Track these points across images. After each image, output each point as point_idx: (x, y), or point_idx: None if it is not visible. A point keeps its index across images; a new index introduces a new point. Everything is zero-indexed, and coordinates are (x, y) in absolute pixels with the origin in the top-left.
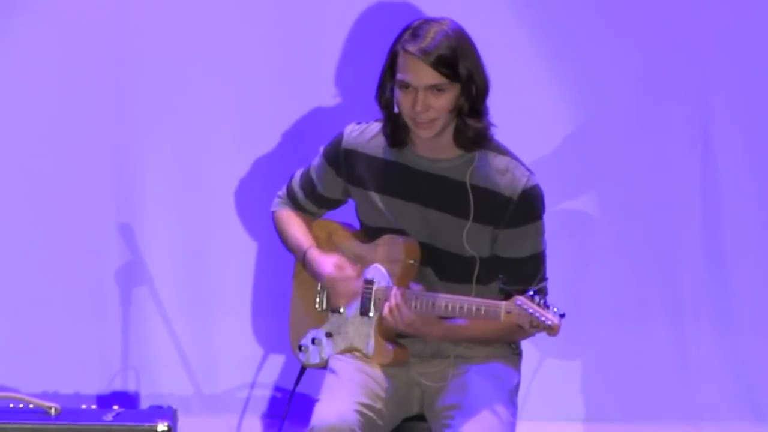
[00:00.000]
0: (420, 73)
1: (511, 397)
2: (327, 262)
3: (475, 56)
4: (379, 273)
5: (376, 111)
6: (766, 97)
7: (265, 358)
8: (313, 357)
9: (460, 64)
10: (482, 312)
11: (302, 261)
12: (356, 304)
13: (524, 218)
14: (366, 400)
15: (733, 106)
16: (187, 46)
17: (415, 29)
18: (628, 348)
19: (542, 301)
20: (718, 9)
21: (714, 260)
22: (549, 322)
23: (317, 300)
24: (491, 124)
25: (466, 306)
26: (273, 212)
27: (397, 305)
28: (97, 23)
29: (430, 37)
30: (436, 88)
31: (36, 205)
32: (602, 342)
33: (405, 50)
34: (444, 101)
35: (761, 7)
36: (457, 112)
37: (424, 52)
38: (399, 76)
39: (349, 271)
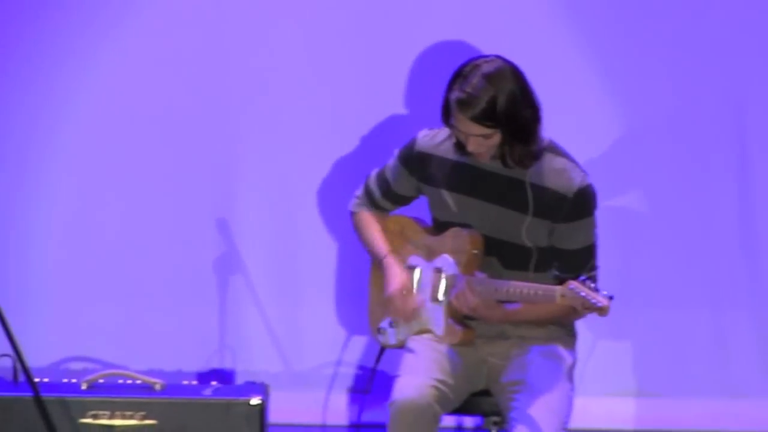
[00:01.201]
0: (465, 126)
1: (568, 374)
2: (394, 280)
3: (517, 94)
4: (446, 262)
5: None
6: None
7: (348, 339)
8: (390, 338)
9: (498, 113)
10: (540, 295)
11: (377, 264)
12: (428, 291)
13: (578, 214)
14: (440, 376)
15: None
16: (280, 60)
17: (462, 78)
18: (672, 330)
19: (593, 285)
20: (753, 19)
21: (748, 252)
22: (599, 304)
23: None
24: (543, 141)
25: (525, 290)
26: (352, 212)
27: (462, 292)
28: (199, 35)
29: (471, 88)
30: (482, 135)
31: (144, 203)
32: (649, 325)
33: (451, 100)
34: (491, 141)
35: None
36: (507, 144)
37: (466, 107)
38: (452, 120)
39: (410, 295)
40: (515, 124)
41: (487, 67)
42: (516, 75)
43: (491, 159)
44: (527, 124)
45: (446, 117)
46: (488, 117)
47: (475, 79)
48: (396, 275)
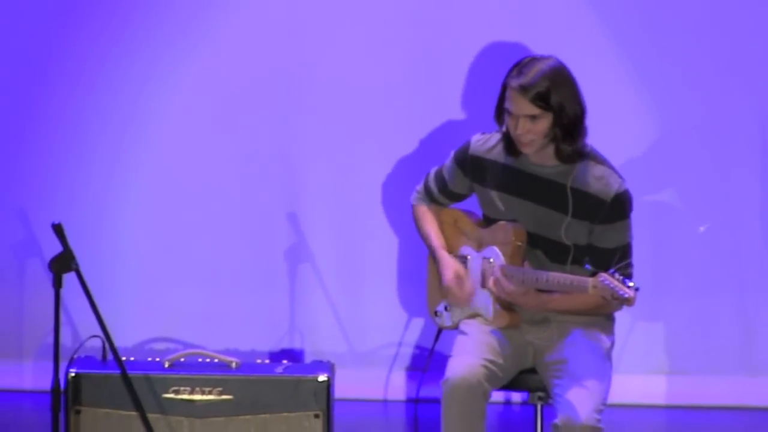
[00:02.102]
0: (519, 105)
1: (607, 355)
2: (448, 270)
3: (569, 89)
4: (494, 253)
5: (495, 123)
6: None
7: (408, 321)
8: (446, 321)
9: (552, 98)
10: (574, 285)
11: (432, 256)
12: (478, 278)
13: (615, 217)
14: (490, 356)
15: None
16: (347, 67)
17: (521, 67)
18: (701, 314)
19: (621, 278)
20: None
21: None
22: (626, 295)
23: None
24: (585, 144)
25: (560, 280)
26: (413, 205)
27: (497, 279)
28: (272, 44)
29: (531, 75)
30: (532, 117)
31: (223, 199)
32: (680, 309)
33: (510, 85)
34: (539, 127)
35: None
36: (552, 136)
37: (524, 89)
38: (506, 104)
39: (465, 281)
40: (564, 114)
41: (544, 61)
42: (569, 74)
43: (540, 155)
44: (574, 119)
45: (500, 105)
46: (541, 98)
47: (534, 68)
48: (449, 265)
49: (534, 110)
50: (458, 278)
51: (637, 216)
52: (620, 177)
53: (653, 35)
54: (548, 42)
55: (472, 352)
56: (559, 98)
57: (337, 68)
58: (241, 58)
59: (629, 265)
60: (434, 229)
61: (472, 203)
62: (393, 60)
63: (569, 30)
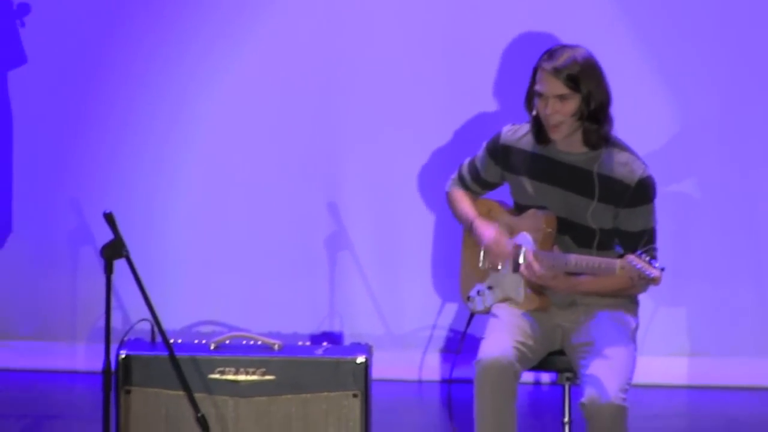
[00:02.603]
0: (550, 85)
1: (632, 337)
2: (488, 232)
3: (597, 76)
4: (525, 239)
5: (525, 116)
6: None
7: (442, 306)
8: (478, 305)
9: (582, 81)
10: (602, 268)
11: (469, 228)
12: (509, 264)
13: (639, 201)
14: (520, 338)
15: None
16: (384, 63)
17: (552, 52)
18: (721, 299)
19: (648, 259)
20: None
21: None
22: (652, 275)
23: (480, 261)
24: (611, 129)
25: (589, 263)
26: (447, 192)
27: (529, 263)
28: (311, 41)
29: (562, 59)
30: (562, 97)
31: (267, 190)
32: (701, 294)
33: (542, 67)
34: (568, 108)
35: None
36: (579, 117)
37: (555, 69)
38: (536, 87)
39: (503, 239)
40: (592, 98)
41: (575, 49)
42: (597, 62)
43: (567, 142)
44: (601, 104)
45: (530, 91)
46: (571, 79)
47: (565, 53)
48: (487, 228)
49: (564, 90)
50: (497, 242)
51: (659, 205)
52: (643, 163)
53: (676, 31)
54: (575, 37)
55: (503, 334)
56: (587, 82)
57: (375, 67)
58: (283, 55)
59: (654, 249)
60: (469, 205)
61: (504, 193)
62: (427, 57)
63: (595, 26)
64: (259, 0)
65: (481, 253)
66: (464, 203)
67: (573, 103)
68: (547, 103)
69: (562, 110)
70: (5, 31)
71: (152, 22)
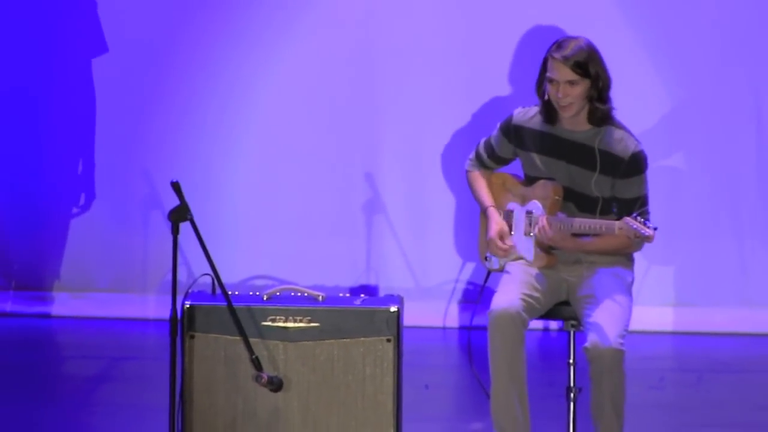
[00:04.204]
0: (561, 72)
1: (628, 289)
2: (494, 227)
3: (600, 61)
4: (536, 206)
5: (534, 99)
6: None
7: (463, 264)
8: (494, 264)
9: (589, 66)
10: (603, 229)
11: (483, 212)
12: (521, 228)
13: (633, 172)
14: (528, 292)
15: None
16: (413, 57)
17: (560, 43)
18: (705, 255)
19: (642, 220)
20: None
21: (763, 194)
22: (646, 233)
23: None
24: (612, 108)
25: (592, 225)
26: (466, 171)
27: (542, 227)
28: (350, 34)
29: (570, 48)
30: (572, 82)
31: (313, 162)
32: (688, 251)
33: (552, 57)
34: (577, 91)
35: None
36: (588, 98)
37: (565, 58)
38: (548, 74)
39: (506, 238)
40: (597, 81)
41: (579, 39)
42: (598, 51)
43: (573, 121)
44: (604, 86)
45: (543, 72)
46: (579, 66)
47: (572, 43)
48: (495, 222)
49: (573, 76)
50: (501, 235)
51: (652, 176)
52: (636, 140)
53: (666, 20)
54: (577, 28)
55: (513, 288)
56: (594, 66)
57: (407, 60)
58: (328, 45)
59: (647, 212)
60: (485, 190)
61: (516, 167)
62: (449, 52)
63: (595, 18)
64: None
65: (488, 242)
66: (481, 189)
67: (581, 87)
68: (558, 88)
69: (571, 93)
70: (90, 24)
71: (212, 17)
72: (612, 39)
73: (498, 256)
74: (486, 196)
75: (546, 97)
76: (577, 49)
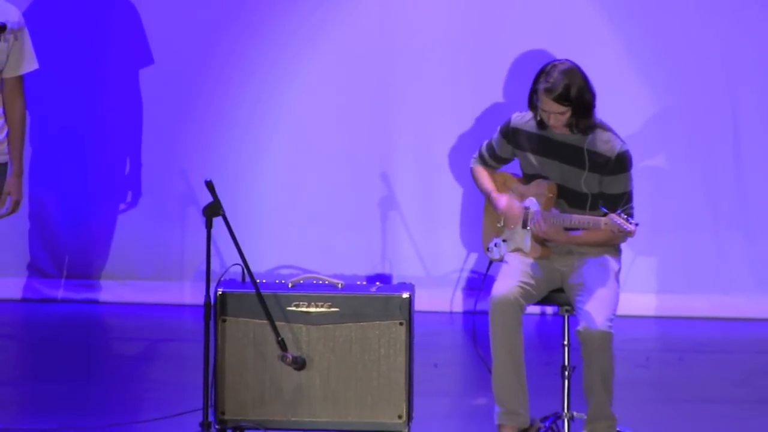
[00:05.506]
0: (548, 105)
1: (615, 277)
2: (501, 200)
3: (583, 82)
4: (532, 202)
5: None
6: None
7: (467, 254)
8: (495, 254)
9: (571, 95)
10: (591, 224)
11: (487, 198)
12: (519, 221)
13: (618, 170)
14: (525, 280)
15: (751, 93)
16: (424, 70)
17: (545, 74)
18: (686, 247)
19: (625, 217)
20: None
21: (739, 190)
22: (628, 228)
23: (498, 220)
24: (596, 119)
25: (581, 220)
26: (471, 167)
27: (538, 222)
28: (370, 46)
29: (553, 80)
30: (560, 112)
31: (334, 162)
32: (671, 244)
33: (539, 90)
34: (565, 117)
35: None
36: (572, 120)
37: (549, 91)
38: (538, 104)
39: (513, 204)
40: (581, 104)
41: (562, 66)
42: (580, 71)
43: (562, 129)
44: (588, 105)
45: (533, 101)
46: (564, 98)
47: (555, 74)
48: (502, 199)
49: (559, 108)
50: (510, 206)
51: (637, 175)
52: (621, 141)
53: (649, 32)
54: (566, 43)
55: (511, 277)
56: (575, 94)
57: (418, 73)
58: (347, 55)
59: (631, 208)
60: (488, 180)
61: (515, 167)
62: (456, 64)
63: (583, 33)
64: (328, 10)
65: (500, 216)
66: (484, 179)
67: (568, 114)
68: (549, 116)
69: (560, 119)
70: (139, 40)
71: (240, 34)
72: (600, 51)
73: (510, 223)
74: (489, 184)
75: (538, 117)
76: (558, 82)
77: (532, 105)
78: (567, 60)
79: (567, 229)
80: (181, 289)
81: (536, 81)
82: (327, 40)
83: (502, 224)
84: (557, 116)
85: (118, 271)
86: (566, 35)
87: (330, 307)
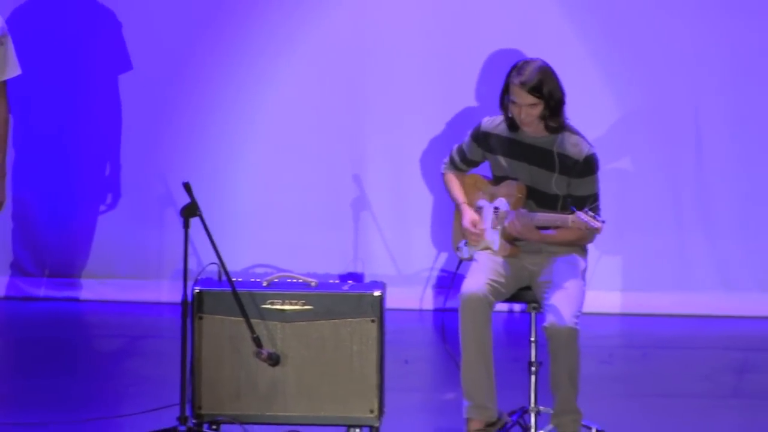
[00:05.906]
0: (521, 97)
1: (581, 275)
2: (467, 217)
3: (554, 81)
4: (502, 202)
5: (499, 110)
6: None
7: (438, 253)
8: (464, 254)
9: (544, 89)
10: (559, 221)
11: (457, 208)
12: (488, 222)
13: (586, 172)
14: (494, 277)
15: (713, 96)
16: (395, 73)
17: (518, 69)
18: (649, 246)
19: (592, 215)
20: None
21: (701, 193)
22: (594, 225)
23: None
24: (566, 119)
25: (549, 218)
26: (443, 173)
27: (512, 221)
28: (343, 50)
29: (527, 73)
30: (532, 104)
31: (308, 164)
32: (634, 243)
33: (512, 83)
34: (536, 110)
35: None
36: (544, 114)
37: (523, 84)
38: (511, 97)
39: (478, 225)
40: (552, 100)
41: (535, 63)
42: (552, 70)
43: (533, 128)
44: (559, 102)
45: (504, 101)
46: (537, 90)
47: (529, 68)
48: (468, 214)
49: (532, 100)
50: (473, 223)
51: (603, 177)
52: (589, 144)
53: (613, 39)
54: (535, 47)
55: (481, 275)
56: (548, 88)
57: (390, 76)
58: (321, 58)
59: (598, 207)
60: (459, 189)
61: (485, 169)
62: (426, 68)
63: (551, 38)
64: (302, 14)
65: (463, 231)
66: (455, 187)
67: (540, 106)
68: (521, 110)
69: (532, 113)
70: (118, 46)
71: (215, 43)
72: (566, 55)
73: (471, 241)
74: (459, 194)
75: (510, 114)
76: (533, 75)
77: (504, 105)
78: (539, 59)
79: (538, 228)
80: (159, 287)
81: (509, 76)
82: (300, 43)
83: (465, 239)
84: (529, 110)
85: (99, 270)
86: (533, 40)
87: (304, 304)
